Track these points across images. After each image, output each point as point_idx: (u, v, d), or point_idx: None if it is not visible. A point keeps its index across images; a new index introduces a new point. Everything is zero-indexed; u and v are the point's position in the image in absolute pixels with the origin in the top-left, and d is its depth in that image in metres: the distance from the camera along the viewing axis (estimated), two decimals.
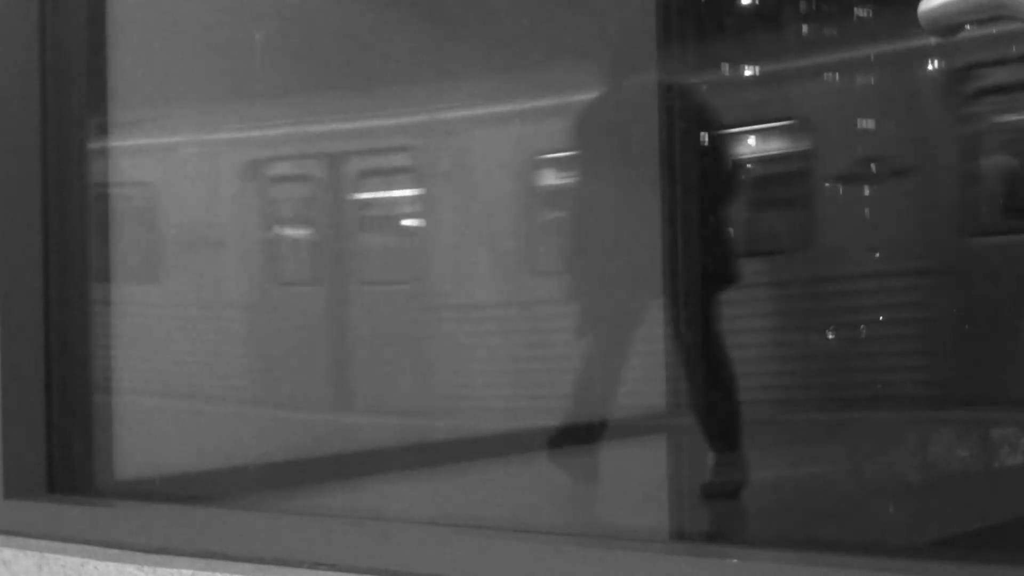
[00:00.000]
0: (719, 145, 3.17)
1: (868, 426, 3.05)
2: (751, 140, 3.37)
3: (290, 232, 3.81)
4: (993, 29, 2.24)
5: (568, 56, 3.22)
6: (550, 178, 3.72)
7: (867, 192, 3.06)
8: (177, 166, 3.31)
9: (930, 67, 3.11)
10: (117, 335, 2.78)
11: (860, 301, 3.19)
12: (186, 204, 3.29)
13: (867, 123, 3.07)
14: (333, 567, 2.03)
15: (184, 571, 2.08)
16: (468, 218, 3.53)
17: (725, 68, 3.11)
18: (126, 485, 2.68)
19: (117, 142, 2.86)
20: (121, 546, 2.27)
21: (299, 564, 2.07)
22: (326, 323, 3.63)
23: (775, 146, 3.46)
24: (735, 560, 1.75)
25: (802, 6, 3.08)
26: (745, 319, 3.21)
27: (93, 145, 2.74)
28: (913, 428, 3.04)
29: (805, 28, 3.09)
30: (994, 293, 3.02)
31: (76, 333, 2.65)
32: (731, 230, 3.17)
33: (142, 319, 3.01)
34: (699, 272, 3.05)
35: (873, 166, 3.10)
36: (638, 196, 3.08)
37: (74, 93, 2.67)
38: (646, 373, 3.22)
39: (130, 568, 2.14)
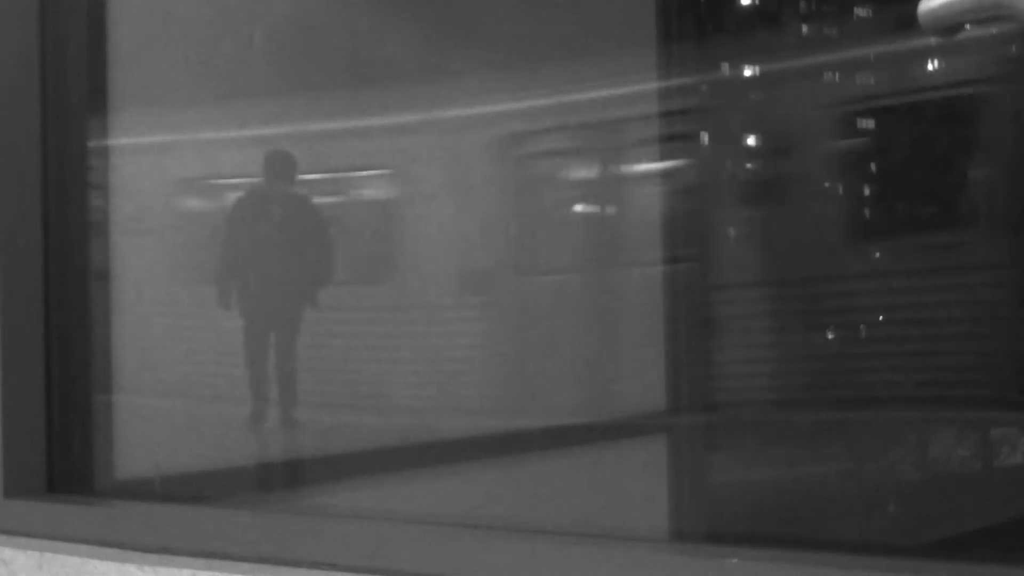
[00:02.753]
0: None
1: None
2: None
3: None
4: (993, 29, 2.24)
5: None
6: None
7: None
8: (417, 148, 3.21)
9: None
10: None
11: None
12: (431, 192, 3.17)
13: None
14: (333, 567, 2.03)
15: (184, 571, 2.08)
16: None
17: None
18: (126, 485, 2.68)
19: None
20: (121, 546, 2.27)
21: (299, 564, 2.07)
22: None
23: None
24: (735, 560, 1.75)
25: None
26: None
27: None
28: None
29: None
30: None
31: (76, 333, 2.65)
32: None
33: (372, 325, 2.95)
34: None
35: None
36: None
37: (74, 93, 2.67)
38: (645, 371, 3.21)
39: (130, 568, 2.14)
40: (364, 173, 3.44)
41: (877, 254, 3.25)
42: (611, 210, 3.59)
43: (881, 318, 3.17)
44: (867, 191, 3.39)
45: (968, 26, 1.10)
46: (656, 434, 3.08)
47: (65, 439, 2.60)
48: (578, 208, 3.58)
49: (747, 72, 3.38)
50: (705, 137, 3.33)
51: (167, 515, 2.36)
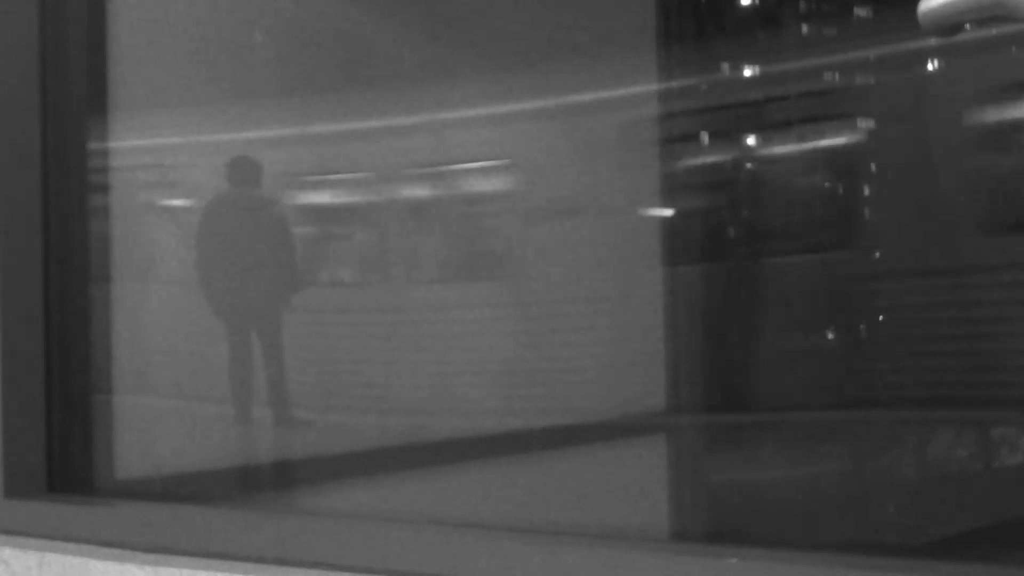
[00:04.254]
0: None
1: None
2: None
3: None
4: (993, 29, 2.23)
5: None
6: None
7: None
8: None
9: None
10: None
11: None
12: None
13: None
14: (333, 567, 2.03)
15: (184, 571, 2.08)
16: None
17: None
18: (126, 485, 2.68)
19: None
20: (121, 546, 2.27)
21: (299, 564, 2.07)
22: None
23: None
24: (735, 560, 1.75)
25: None
26: None
27: None
28: None
29: None
30: None
31: (76, 333, 2.65)
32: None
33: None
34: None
35: None
36: None
37: (74, 93, 2.67)
38: (646, 371, 3.21)
39: (130, 568, 2.14)
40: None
41: None
42: None
43: None
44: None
45: (968, 26, 1.10)
46: None
47: (65, 439, 2.60)
48: None
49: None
50: None
51: (167, 515, 2.36)
